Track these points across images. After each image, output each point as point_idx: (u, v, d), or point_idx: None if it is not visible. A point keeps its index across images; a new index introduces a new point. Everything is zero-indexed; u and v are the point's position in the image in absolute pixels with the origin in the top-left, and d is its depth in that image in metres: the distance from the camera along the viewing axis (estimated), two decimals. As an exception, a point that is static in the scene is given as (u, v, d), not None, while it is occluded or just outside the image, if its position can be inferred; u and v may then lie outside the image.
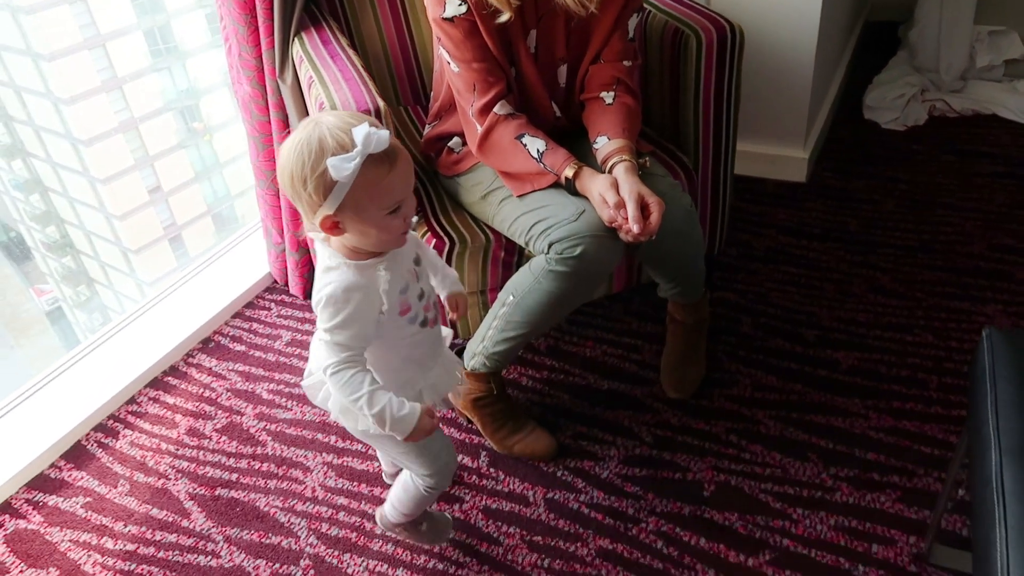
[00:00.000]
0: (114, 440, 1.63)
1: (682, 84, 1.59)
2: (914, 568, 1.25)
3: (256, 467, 1.54)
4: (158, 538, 1.43)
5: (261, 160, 1.80)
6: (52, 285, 11.23)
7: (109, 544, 1.42)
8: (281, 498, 1.47)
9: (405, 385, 1.10)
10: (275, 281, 2.02)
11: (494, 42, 1.32)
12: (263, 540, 1.40)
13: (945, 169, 2.20)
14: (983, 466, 0.91)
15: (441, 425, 1.24)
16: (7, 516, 1.49)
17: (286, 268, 1.96)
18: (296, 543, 1.39)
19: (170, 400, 1.72)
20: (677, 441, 1.50)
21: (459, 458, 1.49)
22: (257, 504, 1.47)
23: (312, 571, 1.34)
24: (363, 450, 1.54)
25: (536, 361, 1.70)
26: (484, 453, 1.51)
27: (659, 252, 1.41)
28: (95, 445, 1.63)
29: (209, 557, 1.38)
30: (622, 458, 1.48)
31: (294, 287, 1.96)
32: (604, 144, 1.35)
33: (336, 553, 1.37)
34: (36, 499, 1.52)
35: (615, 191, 1.25)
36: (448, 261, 1.43)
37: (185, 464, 1.56)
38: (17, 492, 1.54)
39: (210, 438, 1.61)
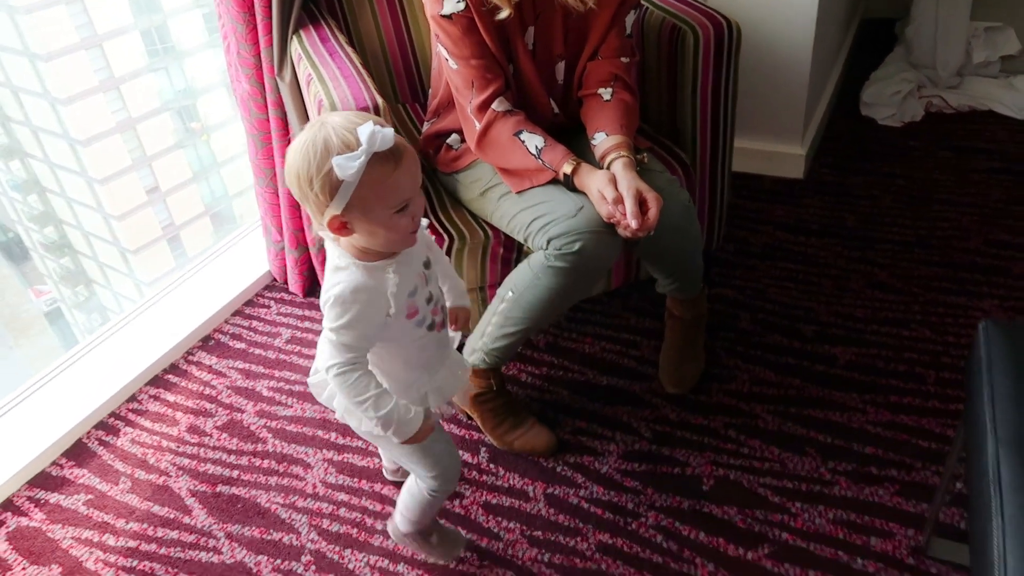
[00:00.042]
0: (115, 438, 1.64)
1: (679, 80, 1.59)
2: (912, 561, 1.25)
3: (257, 464, 1.54)
4: (160, 535, 1.43)
5: (260, 158, 1.81)
6: (51, 286, 11.23)
7: (111, 541, 1.43)
8: (282, 495, 1.48)
9: (410, 387, 1.09)
10: (274, 279, 2.03)
11: (492, 39, 1.32)
12: (264, 536, 1.41)
13: (942, 165, 2.21)
14: (980, 458, 0.92)
15: (443, 426, 1.24)
16: (9, 514, 1.50)
17: (285, 266, 1.96)
18: (297, 539, 1.40)
19: (171, 398, 1.72)
20: (676, 436, 1.50)
21: (460, 454, 1.50)
22: (258, 500, 1.47)
23: (313, 567, 1.35)
24: (364, 447, 1.55)
25: (535, 357, 1.71)
26: (484, 449, 1.52)
27: (657, 248, 1.42)
28: (96, 443, 1.63)
29: (211, 553, 1.39)
30: (621, 453, 1.48)
31: (293, 285, 1.96)
32: (602, 140, 1.35)
33: (337, 549, 1.37)
34: (38, 497, 1.52)
35: (613, 187, 1.25)
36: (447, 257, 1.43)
37: (186, 461, 1.57)
38: (19, 490, 1.54)
39: (211, 435, 1.62)
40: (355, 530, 1.40)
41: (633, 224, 1.22)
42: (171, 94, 10.65)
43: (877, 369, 1.59)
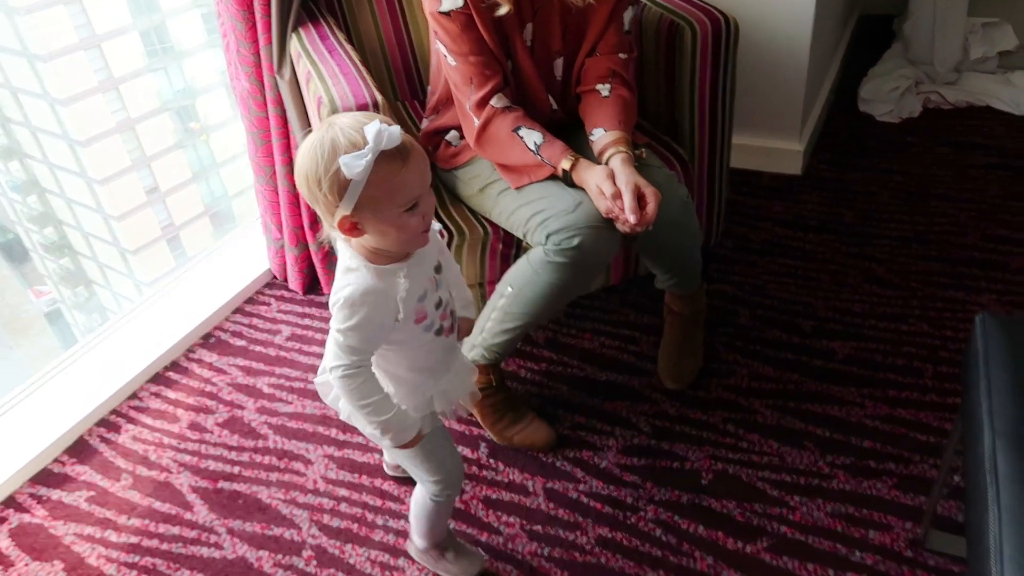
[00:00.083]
0: (117, 435, 1.64)
1: (677, 76, 1.60)
2: (910, 553, 1.26)
3: (258, 460, 1.55)
4: (161, 531, 1.44)
5: (259, 156, 1.81)
6: (50, 286, 11.23)
7: (113, 537, 1.43)
8: (283, 490, 1.48)
9: (415, 390, 1.08)
10: (274, 276, 2.04)
11: (491, 35, 1.33)
12: (265, 532, 1.41)
13: (940, 161, 2.22)
14: (977, 450, 0.93)
15: (447, 431, 1.22)
16: (12, 510, 1.50)
17: (285, 263, 1.97)
18: (298, 534, 1.40)
19: (172, 395, 1.73)
20: (675, 431, 1.51)
21: (459, 449, 1.50)
22: (259, 496, 1.48)
23: (314, 562, 1.35)
24: (364, 443, 1.55)
25: (535, 353, 1.71)
26: (484, 444, 1.52)
27: (656, 243, 1.43)
28: (98, 440, 1.64)
29: (212, 549, 1.39)
30: (621, 448, 1.49)
31: (293, 282, 1.97)
32: (600, 136, 1.36)
33: (338, 544, 1.38)
34: (40, 494, 1.53)
35: (611, 182, 1.26)
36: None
37: (187, 458, 1.57)
38: (21, 487, 1.55)
39: (212, 432, 1.62)
40: (356, 525, 1.41)
41: (631, 219, 1.23)
42: (170, 94, 10.66)
43: (875, 363, 1.60)
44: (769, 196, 2.14)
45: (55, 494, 1.53)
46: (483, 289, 1.55)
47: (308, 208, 1.83)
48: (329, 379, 1.05)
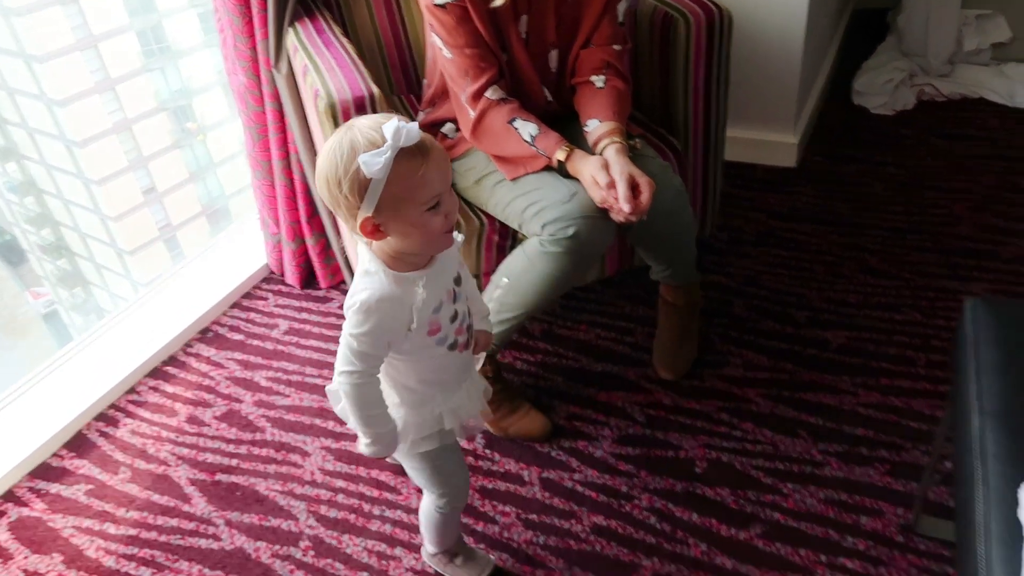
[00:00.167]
0: (115, 429, 1.65)
1: (672, 67, 1.61)
2: (901, 538, 1.27)
3: (255, 452, 1.56)
4: (160, 523, 1.44)
5: (257, 151, 1.82)
6: (48, 288, 11.22)
7: (111, 529, 1.44)
8: (280, 482, 1.49)
9: (424, 404, 1.05)
10: (272, 271, 2.04)
11: (486, 28, 1.33)
12: (263, 523, 1.42)
13: (934, 152, 2.23)
14: (966, 430, 0.94)
15: (459, 447, 1.20)
16: (11, 504, 1.51)
17: (282, 258, 1.97)
18: (296, 525, 1.41)
19: (170, 389, 1.74)
20: (670, 420, 1.52)
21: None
22: (257, 488, 1.49)
23: (312, 552, 1.36)
24: (361, 434, 1.56)
25: (530, 345, 1.72)
26: (480, 435, 1.53)
27: (650, 233, 1.43)
28: (96, 434, 1.64)
29: (210, 540, 1.40)
30: (615, 438, 1.50)
31: (291, 277, 1.98)
32: (595, 127, 1.36)
33: (335, 534, 1.39)
34: (39, 487, 1.54)
35: (606, 172, 1.27)
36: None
37: (185, 451, 1.58)
38: (20, 481, 1.55)
39: (210, 425, 1.63)
40: (353, 516, 1.41)
41: (626, 208, 1.24)
42: (167, 94, 10.66)
43: (868, 352, 1.61)
44: (764, 188, 2.15)
45: (54, 488, 1.53)
46: (479, 281, 1.55)
47: (306, 203, 1.84)
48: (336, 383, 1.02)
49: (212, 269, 2.03)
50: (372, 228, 0.89)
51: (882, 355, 1.60)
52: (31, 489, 1.54)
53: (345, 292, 1.94)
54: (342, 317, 1.86)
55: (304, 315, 1.89)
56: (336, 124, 1.37)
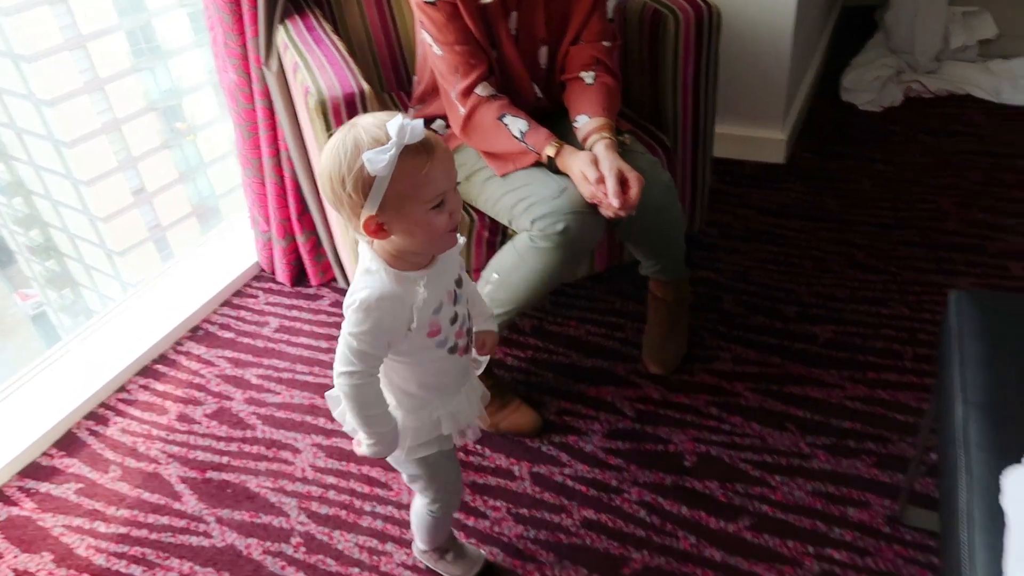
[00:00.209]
0: (105, 427, 1.65)
1: (661, 64, 1.62)
2: (888, 529, 1.28)
3: (246, 450, 1.56)
4: (150, 520, 1.44)
5: (247, 149, 1.82)
6: (36, 289, 11.15)
7: (102, 528, 1.44)
8: (271, 479, 1.49)
9: (422, 408, 1.04)
10: (262, 269, 2.04)
11: (476, 24, 1.34)
12: (254, 520, 1.42)
13: (921, 148, 2.25)
14: (950, 420, 0.95)
15: (455, 452, 1.19)
16: (0, 504, 1.50)
17: (273, 256, 1.97)
18: (287, 522, 1.41)
19: (160, 387, 1.73)
20: (659, 415, 1.53)
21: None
22: (248, 485, 1.49)
23: (303, 548, 1.36)
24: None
25: (520, 341, 1.73)
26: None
27: (639, 228, 1.44)
28: (86, 433, 1.64)
29: (201, 537, 1.40)
30: (605, 432, 1.51)
31: (281, 275, 1.98)
32: (584, 123, 1.37)
33: (326, 530, 1.39)
34: (28, 487, 1.53)
35: (595, 167, 1.27)
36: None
37: (176, 449, 1.58)
38: (9, 480, 1.55)
39: (200, 423, 1.63)
40: (344, 512, 1.42)
41: (615, 203, 1.24)
42: (157, 94, 10.60)
43: (856, 347, 1.62)
44: (752, 184, 2.16)
45: (43, 487, 1.53)
46: (469, 277, 1.56)
47: (296, 200, 1.84)
48: (338, 394, 1.01)
49: (202, 267, 2.03)
50: (376, 227, 0.88)
51: (869, 349, 1.62)
52: (21, 488, 1.53)
53: (335, 289, 1.95)
54: (333, 314, 1.87)
55: (294, 312, 1.89)
56: (326, 121, 1.37)
